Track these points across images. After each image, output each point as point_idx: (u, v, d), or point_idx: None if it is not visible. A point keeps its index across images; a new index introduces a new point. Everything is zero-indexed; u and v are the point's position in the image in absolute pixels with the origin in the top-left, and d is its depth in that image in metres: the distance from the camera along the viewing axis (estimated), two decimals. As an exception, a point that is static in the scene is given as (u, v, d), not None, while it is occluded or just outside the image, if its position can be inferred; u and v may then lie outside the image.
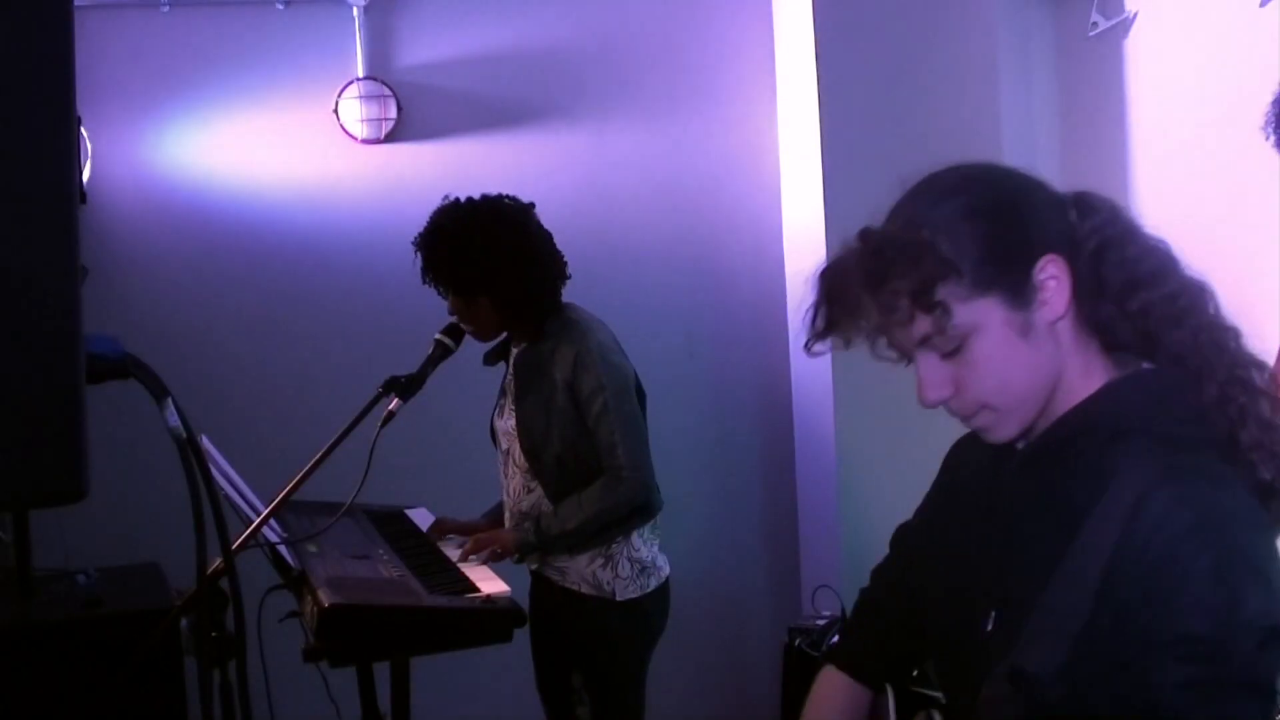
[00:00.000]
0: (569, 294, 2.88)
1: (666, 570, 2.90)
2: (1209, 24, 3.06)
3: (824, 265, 1.30)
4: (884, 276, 1.22)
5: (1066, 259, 1.26)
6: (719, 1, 3.98)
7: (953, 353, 1.25)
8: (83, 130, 3.30)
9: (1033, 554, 1.26)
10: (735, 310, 4.04)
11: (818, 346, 1.30)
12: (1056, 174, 3.72)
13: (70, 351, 1.00)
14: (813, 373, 3.84)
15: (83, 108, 1.11)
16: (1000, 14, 3.65)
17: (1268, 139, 2.42)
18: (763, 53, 3.97)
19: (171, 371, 1.30)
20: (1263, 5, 2.83)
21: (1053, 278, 1.25)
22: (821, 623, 3.26)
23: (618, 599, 2.79)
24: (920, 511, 1.63)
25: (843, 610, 3.36)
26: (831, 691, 1.59)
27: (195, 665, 1.51)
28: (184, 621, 1.88)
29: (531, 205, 2.83)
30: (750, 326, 4.04)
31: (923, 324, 1.22)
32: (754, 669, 4.02)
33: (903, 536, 1.67)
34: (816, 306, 1.28)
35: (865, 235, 1.28)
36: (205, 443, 2.39)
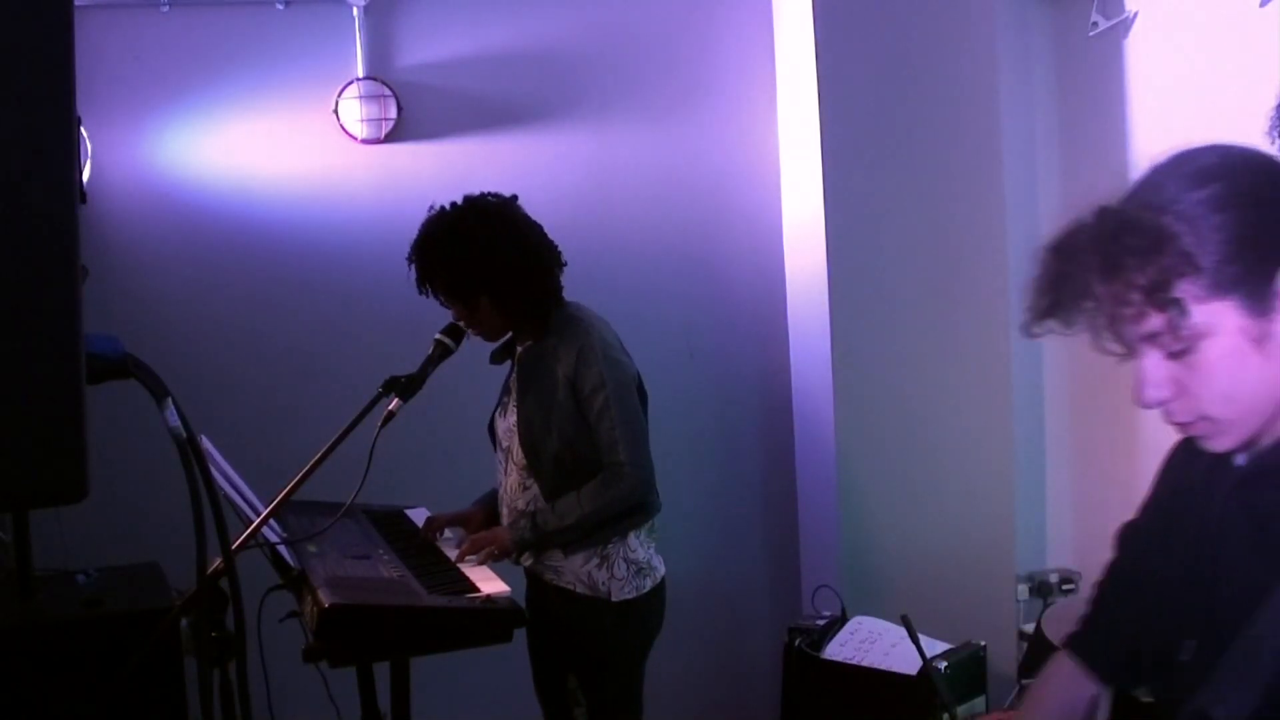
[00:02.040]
0: (570, 294, 2.89)
1: (662, 571, 2.90)
2: (1209, 24, 3.06)
3: (1055, 240, 1.21)
4: (1119, 265, 1.13)
5: None
6: (719, 1, 3.98)
7: (1179, 353, 1.16)
8: (83, 130, 3.30)
9: (1239, 583, 1.19)
10: (735, 310, 4.04)
11: (1038, 328, 1.21)
12: (1057, 174, 3.72)
13: (70, 351, 1.00)
14: (813, 373, 3.84)
15: (83, 108, 1.11)
16: (1000, 14, 3.64)
17: (1272, 143, 2.41)
18: (763, 53, 3.97)
19: (171, 371, 1.30)
20: (1263, 5, 2.83)
21: None
22: (821, 623, 3.26)
23: (613, 600, 2.79)
24: (1142, 509, 1.54)
25: (843, 610, 3.35)
26: (1057, 678, 1.54)
27: (195, 665, 1.50)
28: (184, 621, 1.88)
29: (514, 198, 2.83)
30: (750, 326, 4.04)
31: (1154, 320, 1.14)
32: (754, 669, 4.02)
33: (1130, 535, 1.58)
34: (1042, 285, 1.20)
35: (1104, 215, 1.18)
36: (205, 443, 2.39)
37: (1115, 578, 1.57)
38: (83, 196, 3.11)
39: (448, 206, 2.79)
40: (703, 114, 3.98)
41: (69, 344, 0.99)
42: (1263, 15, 2.84)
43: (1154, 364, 1.18)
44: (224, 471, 2.57)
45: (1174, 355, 1.17)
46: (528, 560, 2.88)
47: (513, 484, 2.88)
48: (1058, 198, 3.72)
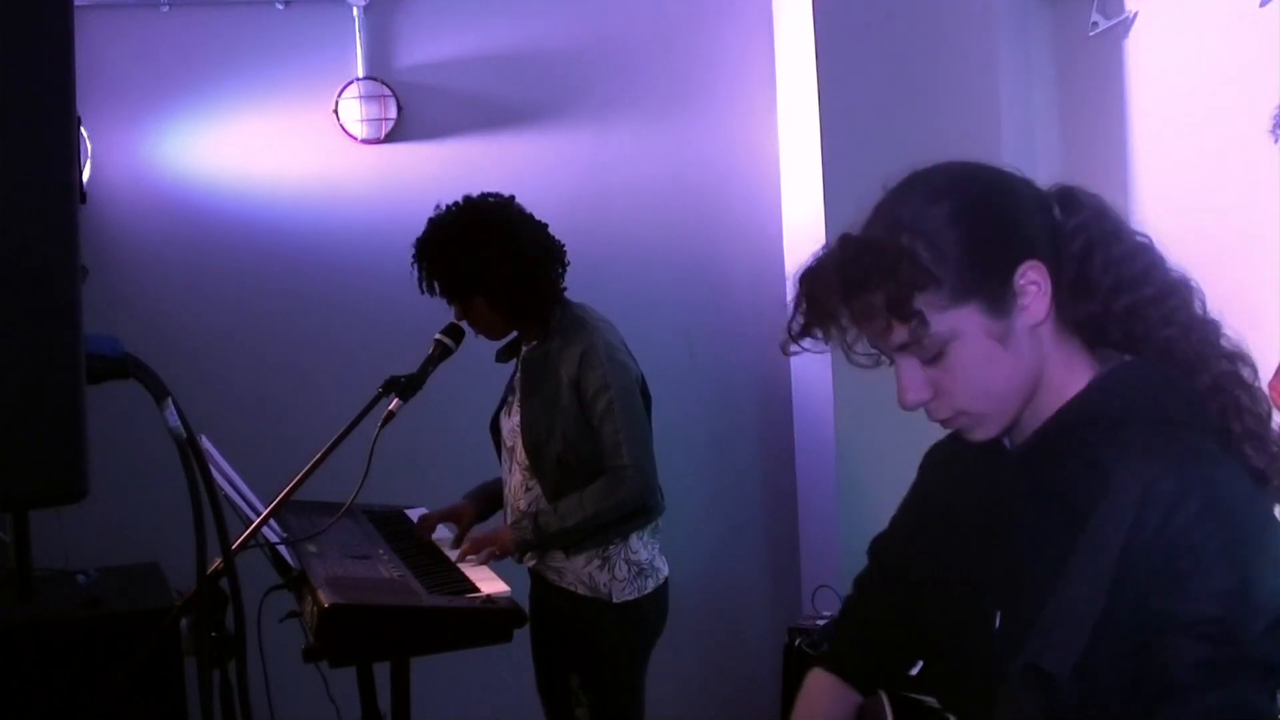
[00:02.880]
0: (570, 294, 2.89)
1: (665, 572, 2.90)
2: (1209, 24, 3.06)
3: (803, 268, 1.29)
4: (860, 285, 1.22)
5: (1048, 262, 1.25)
6: (719, 2, 3.98)
7: (932, 359, 1.25)
8: (83, 130, 3.30)
9: (1038, 551, 1.26)
10: (735, 310, 4.04)
11: (794, 347, 1.30)
12: (1057, 174, 3.70)
13: (70, 351, 0.99)
14: (813, 373, 3.84)
15: (83, 108, 1.11)
16: (1000, 14, 3.64)
17: (1276, 141, 2.42)
18: (763, 53, 3.97)
19: (171, 371, 1.30)
20: (1263, 5, 2.83)
21: (1033, 283, 1.24)
22: (821, 623, 3.26)
23: (614, 601, 2.79)
24: (898, 521, 1.64)
25: (843, 610, 3.36)
26: (819, 691, 1.59)
27: (195, 665, 1.51)
28: (184, 621, 1.88)
29: (511, 198, 2.83)
30: (750, 326, 4.04)
31: (900, 333, 1.22)
32: (754, 669, 4.02)
33: (883, 546, 1.68)
34: (794, 308, 1.28)
35: (844, 241, 1.26)
36: (205, 443, 2.39)
37: (867, 589, 1.65)
38: (83, 196, 3.11)
39: (449, 207, 2.80)
40: (703, 114, 3.98)
41: (69, 344, 0.99)
42: (1263, 15, 2.84)
43: (910, 369, 1.27)
44: (224, 471, 2.57)
45: (927, 361, 1.25)
46: (530, 561, 2.88)
47: (516, 484, 2.88)
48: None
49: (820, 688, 1.60)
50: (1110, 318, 1.28)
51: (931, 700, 1.47)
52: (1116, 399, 1.27)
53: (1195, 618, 1.14)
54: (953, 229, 1.23)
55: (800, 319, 1.27)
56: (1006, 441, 1.34)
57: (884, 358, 1.30)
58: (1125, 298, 1.27)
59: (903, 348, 1.25)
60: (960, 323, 1.23)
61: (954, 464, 1.47)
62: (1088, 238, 1.28)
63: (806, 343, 1.29)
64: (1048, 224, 1.28)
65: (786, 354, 1.31)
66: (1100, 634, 1.16)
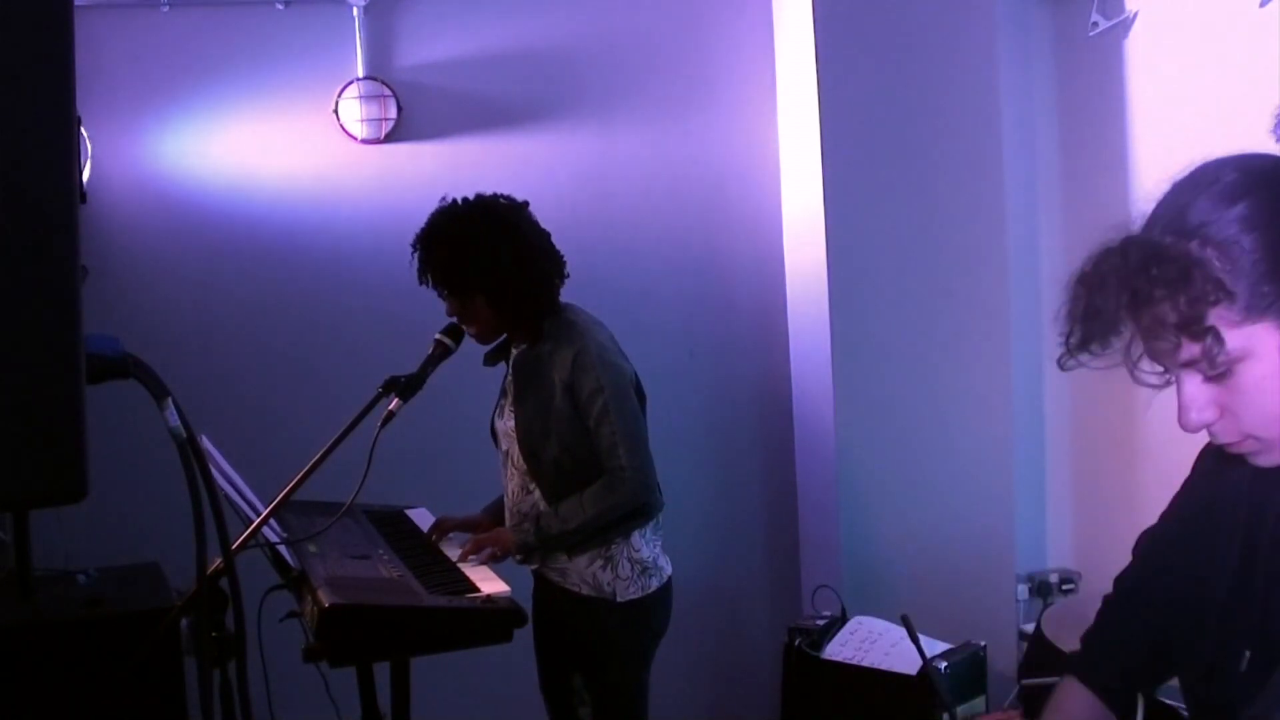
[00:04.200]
0: (569, 294, 2.89)
1: (669, 571, 2.90)
2: (1209, 24, 3.06)
3: (1083, 272, 1.18)
4: (1149, 298, 1.11)
5: None
6: (719, 2, 3.97)
7: (1219, 376, 1.15)
8: (83, 130, 3.30)
9: None
10: (735, 310, 4.04)
11: (1071, 362, 1.19)
12: (1057, 174, 3.72)
13: (70, 351, 0.99)
14: (813, 373, 3.84)
15: (83, 108, 1.11)
16: (1000, 14, 3.64)
17: (1277, 142, 2.41)
18: (763, 53, 3.97)
19: (171, 371, 1.30)
20: (1263, 5, 2.83)
21: None
22: (821, 623, 3.26)
23: (618, 600, 2.79)
24: (1166, 518, 1.51)
25: (843, 610, 3.35)
26: (1069, 704, 1.50)
27: (195, 665, 1.50)
28: (184, 621, 1.88)
29: (525, 204, 2.83)
30: (750, 326, 4.04)
31: (1189, 349, 1.12)
32: (754, 669, 4.02)
33: (1148, 543, 1.55)
34: (1074, 318, 1.18)
35: (1129, 245, 1.15)
36: (205, 443, 2.39)
37: (1125, 591, 1.55)
38: (83, 196, 3.11)
39: (459, 200, 2.79)
40: (703, 114, 3.98)
41: (69, 344, 0.99)
42: (1263, 15, 2.84)
43: (1194, 387, 1.17)
44: (224, 471, 2.57)
45: (1213, 378, 1.15)
46: (534, 563, 2.88)
47: (515, 487, 2.88)
48: (1058, 197, 3.72)
49: (1071, 700, 1.50)
50: None
51: (1184, 709, 1.39)
52: None
53: None
54: (1248, 236, 1.11)
55: (1082, 329, 1.17)
56: None
57: (1169, 375, 1.19)
58: None
59: (1189, 364, 1.14)
60: (1254, 341, 1.12)
61: (1219, 479, 1.36)
62: None
63: (1084, 356, 1.19)
64: None
65: (1065, 369, 1.20)
66: None
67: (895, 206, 3.65)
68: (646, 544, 2.84)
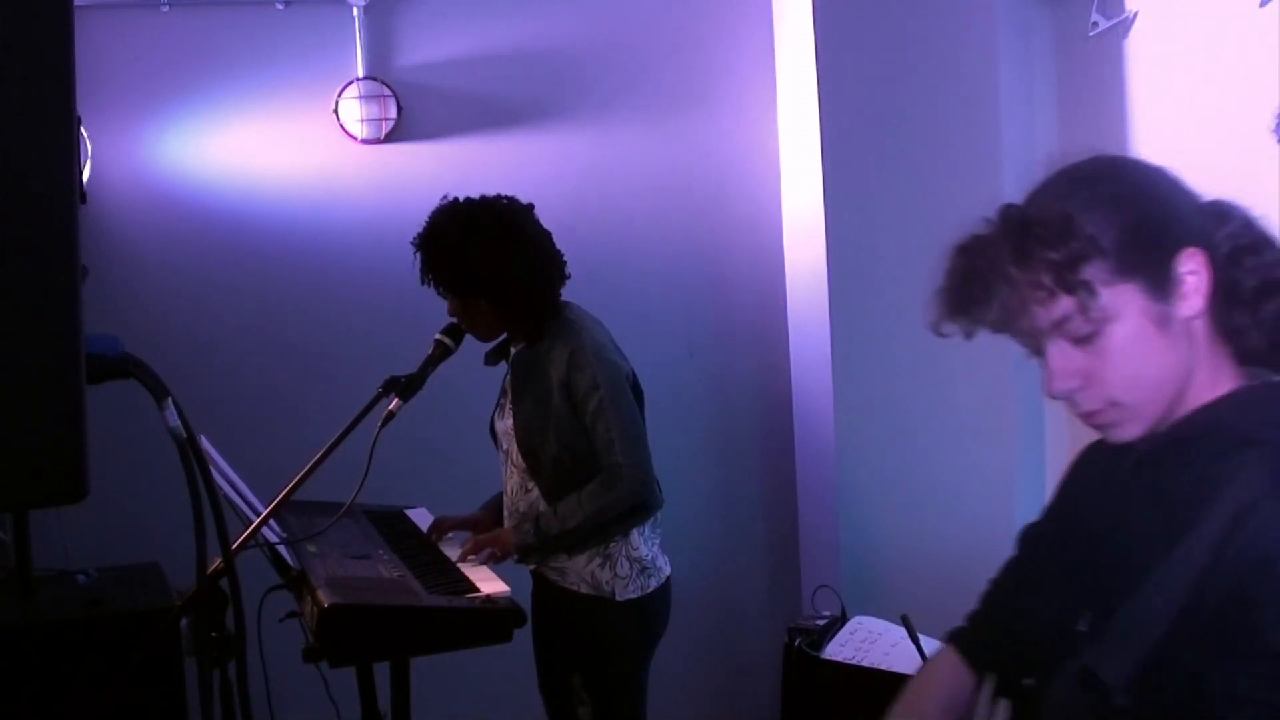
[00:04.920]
0: (569, 293, 2.89)
1: (668, 570, 2.90)
2: (1209, 24, 3.06)
3: (962, 241, 1.26)
4: (1030, 250, 1.19)
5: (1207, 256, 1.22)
6: (719, 2, 3.98)
7: (1086, 340, 1.21)
8: (83, 130, 3.30)
9: (1134, 557, 1.23)
10: (735, 310, 4.04)
11: (947, 326, 1.26)
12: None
13: (70, 351, 1.00)
14: (813, 373, 3.84)
15: (83, 108, 1.11)
16: (1000, 14, 3.64)
17: (1279, 141, 2.41)
18: (763, 53, 3.97)
19: (171, 371, 1.30)
20: (1263, 5, 2.83)
21: (1193, 272, 1.21)
22: (821, 623, 3.25)
23: (617, 599, 2.79)
24: (1046, 511, 1.58)
25: (843, 610, 3.35)
26: (938, 668, 1.58)
27: (195, 665, 1.50)
28: (184, 621, 1.88)
29: (530, 206, 2.83)
30: (750, 326, 4.04)
31: (1064, 304, 1.19)
32: (754, 669, 4.02)
33: (1029, 533, 1.61)
34: (954, 282, 1.24)
35: (1008, 211, 1.24)
36: (205, 443, 2.39)
37: (1008, 574, 1.61)
38: (83, 196, 3.11)
39: (462, 200, 2.79)
40: (703, 114, 3.98)
41: (69, 344, 0.99)
42: (1263, 15, 2.84)
43: (1061, 353, 1.23)
44: (224, 471, 2.57)
45: (1081, 341, 1.21)
46: (533, 563, 2.88)
47: (514, 486, 2.88)
48: (1058, 198, 3.71)
49: (941, 665, 1.58)
50: (1256, 325, 1.25)
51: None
52: (1248, 417, 1.23)
53: (1258, 650, 1.08)
54: (1113, 207, 1.21)
55: (962, 290, 1.23)
56: (1141, 444, 1.30)
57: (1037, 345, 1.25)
58: (1272, 303, 1.24)
59: (1059, 325, 1.21)
60: (1121, 300, 1.20)
61: (1090, 469, 1.44)
62: (1237, 244, 1.25)
63: (948, 328, 1.25)
64: (1201, 224, 1.26)
65: (941, 334, 1.26)
66: (1165, 648, 1.11)
67: (895, 206, 3.65)
68: (645, 543, 2.84)
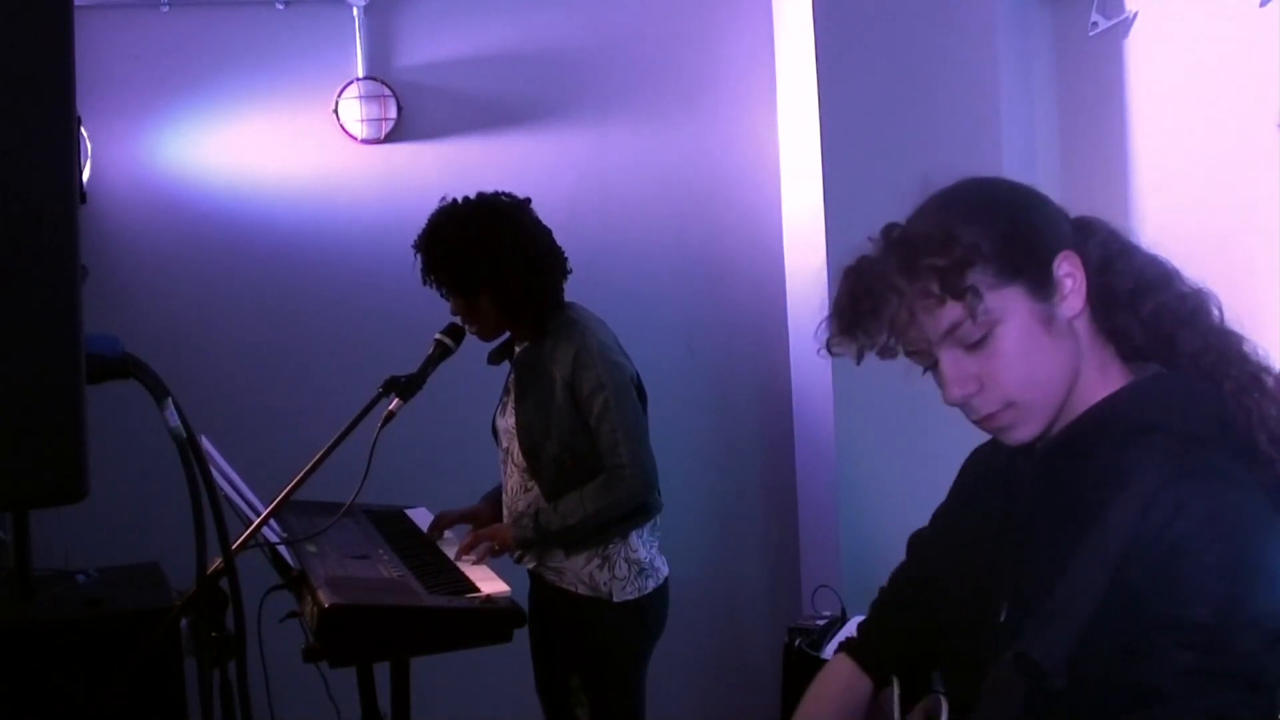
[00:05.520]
0: (569, 293, 2.89)
1: (666, 572, 2.90)
2: (1209, 24, 3.06)
3: (851, 262, 1.31)
4: (916, 260, 1.24)
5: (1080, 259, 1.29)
6: (719, 2, 3.98)
7: (977, 345, 1.26)
8: (83, 130, 3.30)
9: (1047, 547, 1.28)
10: (735, 310, 4.04)
11: (838, 347, 1.30)
12: (1057, 174, 3.72)
13: (70, 351, 1.00)
14: (813, 373, 3.84)
15: (83, 108, 1.11)
16: (1000, 14, 3.64)
17: None
18: (763, 53, 3.97)
19: (171, 371, 1.30)
20: (1263, 5, 2.83)
21: (1069, 274, 1.28)
22: (821, 623, 3.26)
23: (614, 600, 2.79)
24: (936, 519, 1.65)
25: (843, 610, 3.36)
26: (835, 676, 1.62)
27: (195, 665, 1.50)
28: (184, 621, 1.88)
29: (527, 201, 2.83)
30: (750, 326, 4.04)
31: (952, 311, 1.24)
32: (754, 669, 4.02)
33: (919, 541, 1.69)
34: (843, 301, 1.29)
35: (890, 230, 1.31)
36: (205, 443, 2.39)
37: (900, 583, 1.68)
38: (83, 196, 3.11)
39: (460, 200, 2.79)
40: (703, 114, 3.98)
41: (69, 344, 0.99)
42: (1263, 15, 2.84)
43: (955, 361, 1.27)
44: (224, 471, 2.57)
45: (972, 347, 1.26)
46: (530, 562, 2.88)
47: (514, 485, 2.88)
48: (1057, 197, 3.71)
49: (837, 673, 1.62)
50: (1137, 323, 1.31)
51: (941, 689, 1.49)
52: (1145, 407, 1.29)
53: (1185, 622, 1.15)
54: (991, 219, 1.27)
55: (853, 308, 1.27)
56: (1038, 445, 1.35)
57: (929, 359, 1.30)
58: (1150, 301, 1.31)
59: (950, 333, 1.25)
60: (1007, 302, 1.25)
61: (986, 466, 1.49)
62: (1106, 252, 1.32)
63: (840, 347, 1.29)
64: (1070, 235, 1.32)
65: (834, 354, 1.31)
66: (1093, 630, 1.17)
67: (895, 207, 3.63)
68: (644, 545, 2.84)
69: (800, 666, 3.19)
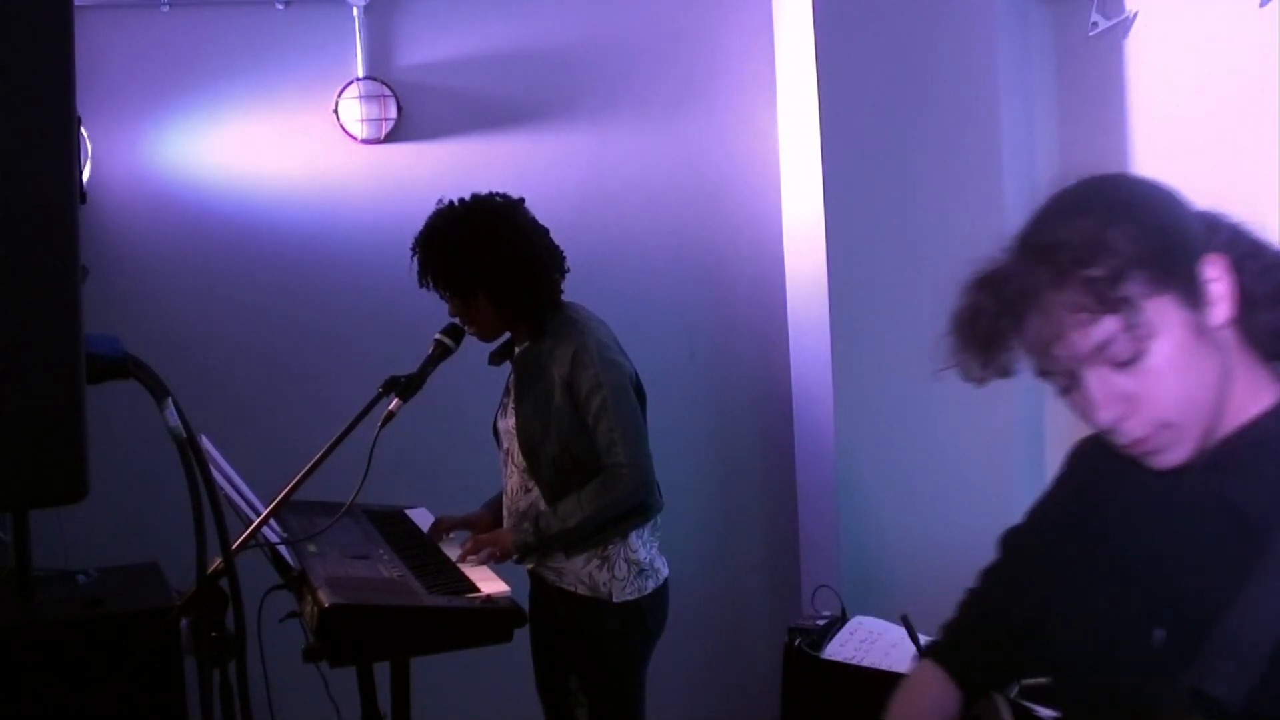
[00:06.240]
0: (570, 294, 2.89)
1: (666, 572, 2.90)
2: (1209, 24, 3.06)
3: (982, 276, 1.21)
4: (1069, 269, 1.13)
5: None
6: (719, 2, 3.97)
7: (1128, 362, 1.15)
8: (83, 130, 3.30)
9: (1209, 569, 1.19)
10: (735, 310, 4.04)
11: (981, 373, 1.22)
12: (1057, 174, 3.71)
13: (70, 351, 0.99)
14: (813, 373, 3.84)
15: (83, 108, 1.11)
16: (1000, 14, 3.64)
17: None
18: (763, 53, 3.97)
19: (171, 371, 1.30)
20: (1263, 5, 2.83)
21: (1217, 279, 1.18)
22: (821, 623, 3.25)
23: (614, 601, 2.79)
24: (1037, 515, 1.53)
25: (843, 610, 3.35)
26: (926, 689, 1.52)
27: (195, 665, 1.50)
28: (184, 621, 1.88)
29: (521, 200, 2.84)
30: (750, 326, 4.04)
31: (1106, 325, 1.14)
32: (754, 669, 4.02)
33: (1015, 540, 1.56)
34: (976, 318, 1.19)
35: (1027, 240, 1.18)
36: (205, 443, 2.39)
37: (992, 585, 1.56)
38: (83, 196, 3.10)
39: (455, 202, 2.80)
40: (703, 114, 3.98)
41: (69, 344, 0.99)
42: (1263, 15, 2.84)
43: (1102, 381, 1.17)
44: (224, 471, 2.57)
45: (1123, 365, 1.16)
46: (530, 562, 2.88)
47: (514, 485, 2.88)
48: (1058, 198, 3.71)
49: (927, 682, 1.52)
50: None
51: (1049, 713, 1.40)
52: None
53: None
54: (1135, 221, 1.16)
55: (993, 326, 1.18)
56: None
57: (1072, 379, 1.19)
58: None
59: (1099, 350, 1.15)
60: (1161, 314, 1.15)
61: (1109, 465, 1.34)
62: (1238, 251, 1.22)
63: (974, 369, 1.20)
64: (1203, 233, 1.22)
65: (979, 383, 1.23)
66: (1276, 665, 1.08)
67: (895, 207, 3.65)
68: (644, 545, 2.84)
69: (800, 666, 3.18)
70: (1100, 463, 1.38)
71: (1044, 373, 1.20)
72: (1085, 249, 1.13)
